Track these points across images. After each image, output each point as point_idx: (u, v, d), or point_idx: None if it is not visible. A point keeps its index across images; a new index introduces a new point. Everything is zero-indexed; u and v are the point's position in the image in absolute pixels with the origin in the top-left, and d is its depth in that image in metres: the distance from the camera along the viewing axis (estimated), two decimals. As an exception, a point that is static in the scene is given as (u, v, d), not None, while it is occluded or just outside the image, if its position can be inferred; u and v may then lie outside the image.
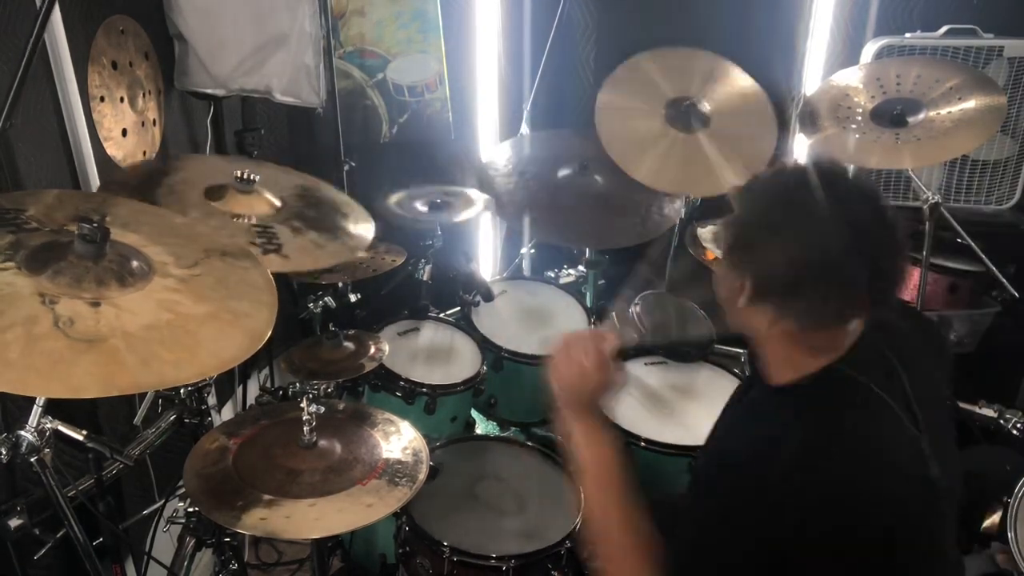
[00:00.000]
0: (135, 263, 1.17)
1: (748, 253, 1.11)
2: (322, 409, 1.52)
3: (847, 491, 0.99)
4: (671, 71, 2.43)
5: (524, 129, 2.83)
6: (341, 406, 1.67)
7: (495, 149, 2.70)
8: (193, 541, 1.64)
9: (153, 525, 1.83)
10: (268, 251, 1.52)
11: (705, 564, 1.05)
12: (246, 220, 1.63)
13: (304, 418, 1.47)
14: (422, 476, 1.45)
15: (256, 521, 1.31)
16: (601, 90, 2.39)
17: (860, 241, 1.02)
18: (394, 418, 1.63)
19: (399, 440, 1.56)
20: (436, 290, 2.31)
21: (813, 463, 1.01)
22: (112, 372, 1.00)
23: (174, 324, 1.11)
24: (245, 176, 1.66)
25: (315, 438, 1.49)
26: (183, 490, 1.56)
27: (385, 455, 1.50)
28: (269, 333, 1.19)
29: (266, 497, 1.36)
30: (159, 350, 1.06)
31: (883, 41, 2.47)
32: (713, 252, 2.31)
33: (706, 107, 2.37)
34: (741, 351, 2.33)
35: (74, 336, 1.00)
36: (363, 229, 1.80)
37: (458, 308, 2.38)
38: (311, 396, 1.50)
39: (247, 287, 1.26)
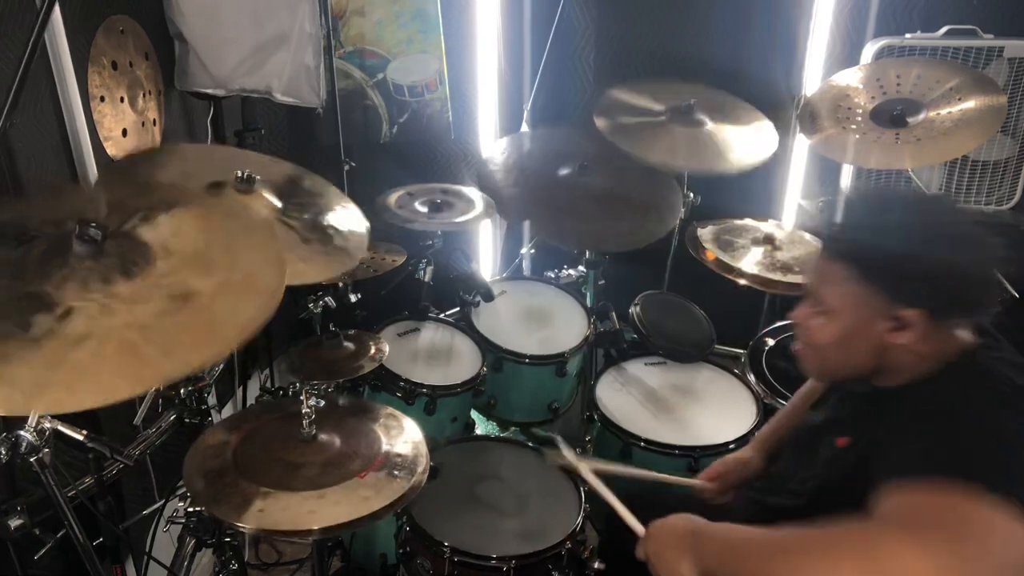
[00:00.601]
0: (134, 252, 1.16)
1: (891, 266, 1.15)
2: (322, 402, 1.52)
3: None
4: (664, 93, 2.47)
5: (524, 129, 2.83)
6: (341, 400, 1.67)
7: (495, 144, 2.71)
8: (193, 541, 1.64)
9: (153, 525, 1.83)
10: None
11: None
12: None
13: (304, 411, 1.48)
14: (421, 470, 1.45)
15: (254, 514, 1.31)
16: (596, 112, 2.41)
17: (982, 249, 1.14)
18: (397, 413, 1.63)
19: (399, 433, 1.56)
20: (436, 290, 2.31)
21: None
22: (137, 368, 0.99)
23: (187, 304, 1.10)
24: (245, 176, 1.66)
25: (315, 431, 1.49)
26: (183, 490, 1.56)
27: (384, 448, 1.50)
28: (283, 285, 1.19)
29: (264, 490, 1.36)
30: (178, 335, 1.05)
31: (883, 41, 2.47)
32: (713, 252, 2.31)
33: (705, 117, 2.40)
34: (741, 351, 2.33)
35: (93, 341, 1.00)
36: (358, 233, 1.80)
37: (458, 308, 2.38)
38: (312, 391, 1.50)
39: (249, 243, 1.25)
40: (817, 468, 1.31)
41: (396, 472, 1.44)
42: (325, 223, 1.75)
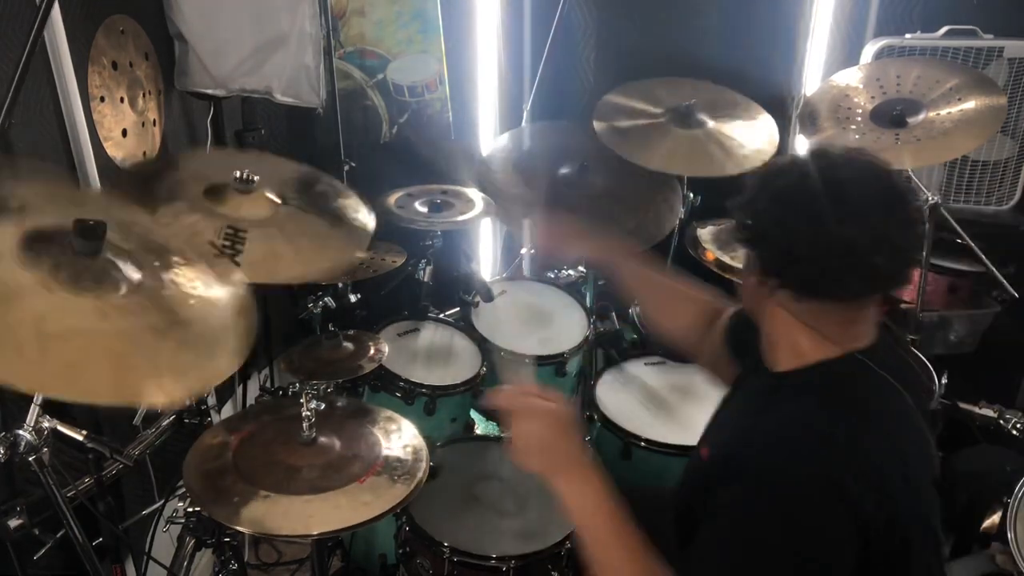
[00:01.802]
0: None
1: (763, 230, 1.10)
2: (323, 405, 1.52)
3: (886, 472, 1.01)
4: (666, 90, 2.47)
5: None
6: (341, 402, 1.67)
7: (495, 140, 2.71)
8: (193, 541, 1.64)
9: (153, 525, 1.82)
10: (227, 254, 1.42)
11: None
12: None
13: (304, 414, 1.47)
14: (420, 475, 1.45)
15: (252, 517, 1.31)
16: (595, 114, 2.41)
17: (877, 225, 1.02)
18: (395, 416, 1.63)
19: (399, 437, 1.56)
20: (436, 290, 2.31)
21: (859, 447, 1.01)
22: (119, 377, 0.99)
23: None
24: (245, 176, 1.66)
25: (315, 434, 1.49)
26: (183, 490, 1.56)
27: (384, 453, 1.50)
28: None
29: (263, 493, 1.36)
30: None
31: (883, 41, 2.47)
32: (713, 252, 2.31)
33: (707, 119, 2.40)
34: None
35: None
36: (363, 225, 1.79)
37: (458, 308, 2.38)
38: (311, 393, 1.50)
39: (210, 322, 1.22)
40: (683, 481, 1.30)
41: (396, 477, 1.44)
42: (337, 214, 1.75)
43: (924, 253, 2.17)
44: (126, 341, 1.05)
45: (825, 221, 1.01)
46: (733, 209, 1.14)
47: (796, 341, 1.12)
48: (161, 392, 1.06)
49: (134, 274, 1.12)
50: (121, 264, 1.13)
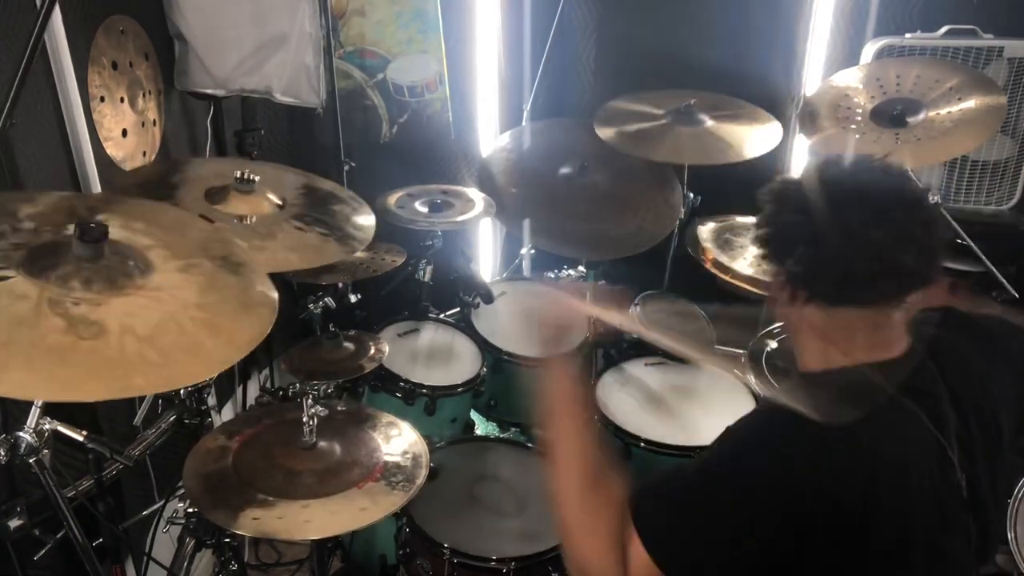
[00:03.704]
0: (131, 262, 1.16)
1: (789, 243, 1.10)
2: (325, 411, 1.51)
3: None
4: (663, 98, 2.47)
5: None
6: (342, 407, 1.67)
7: (496, 139, 2.71)
8: (193, 541, 1.64)
9: (153, 525, 1.82)
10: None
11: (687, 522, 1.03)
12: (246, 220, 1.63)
13: (305, 419, 1.47)
14: (419, 481, 1.45)
15: (250, 521, 1.31)
16: (596, 120, 2.42)
17: (902, 225, 1.02)
18: (396, 420, 1.63)
19: (400, 443, 1.56)
20: (436, 291, 2.31)
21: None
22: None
23: (182, 319, 1.09)
24: (245, 176, 1.66)
25: (315, 439, 1.49)
26: (183, 490, 1.56)
27: (384, 459, 1.50)
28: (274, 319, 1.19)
29: (261, 497, 1.36)
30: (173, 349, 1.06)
31: (883, 41, 2.47)
32: (712, 252, 2.31)
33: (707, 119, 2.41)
34: (741, 351, 2.33)
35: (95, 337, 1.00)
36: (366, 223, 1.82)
37: (458, 309, 2.38)
38: (313, 397, 1.50)
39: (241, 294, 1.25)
40: None
41: (394, 483, 1.44)
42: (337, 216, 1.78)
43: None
44: (202, 311, 1.09)
45: (850, 226, 1.02)
46: (755, 228, 1.15)
47: (824, 354, 1.12)
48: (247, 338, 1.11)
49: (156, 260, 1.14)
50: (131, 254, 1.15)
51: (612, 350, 2.30)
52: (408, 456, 1.52)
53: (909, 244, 1.02)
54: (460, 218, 2.22)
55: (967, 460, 1.08)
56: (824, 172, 1.08)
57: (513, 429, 2.30)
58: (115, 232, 1.18)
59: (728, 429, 1.09)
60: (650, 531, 1.02)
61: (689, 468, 1.08)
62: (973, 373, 1.16)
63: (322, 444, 1.50)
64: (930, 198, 1.08)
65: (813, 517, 0.98)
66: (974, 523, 1.09)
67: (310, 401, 1.49)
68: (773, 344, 2.22)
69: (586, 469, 1.14)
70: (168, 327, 1.06)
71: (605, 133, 2.39)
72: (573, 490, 1.13)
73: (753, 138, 2.36)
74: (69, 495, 1.32)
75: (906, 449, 1.05)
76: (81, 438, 1.32)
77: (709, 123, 2.40)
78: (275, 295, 1.23)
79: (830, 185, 1.06)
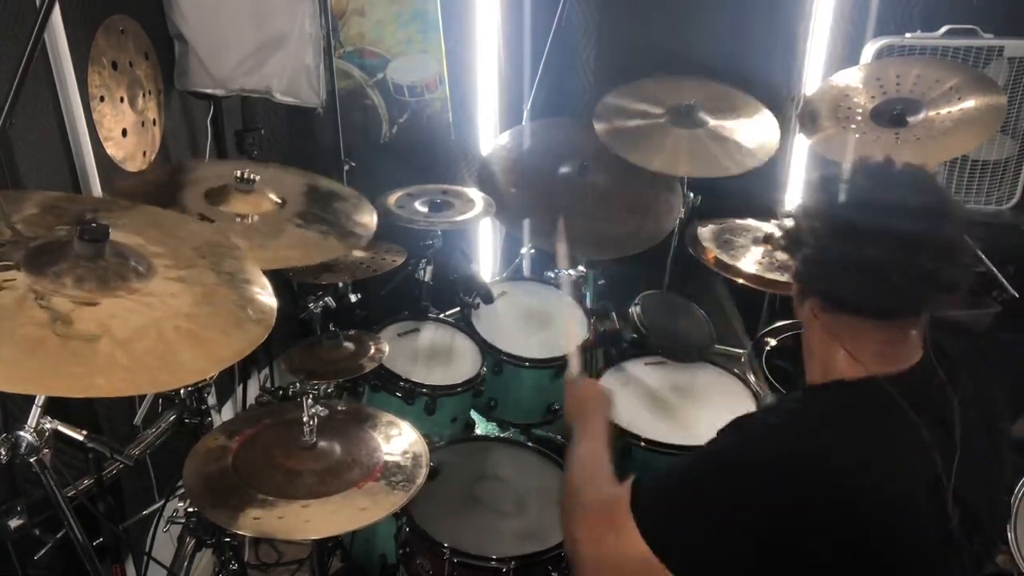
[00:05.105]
0: (133, 264, 1.16)
1: (798, 243, 1.12)
2: (325, 411, 1.51)
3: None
4: (665, 91, 2.47)
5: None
6: (342, 407, 1.67)
7: (496, 139, 2.72)
8: (193, 541, 1.64)
9: (153, 525, 1.82)
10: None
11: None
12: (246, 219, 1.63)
13: (305, 419, 1.47)
14: (419, 481, 1.45)
15: (250, 521, 1.31)
16: (595, 116, 2.42)
17: (909, 238, 1.01)
18: (397, 420, 1.63)
19: (400, 442, 1.56)
20: (436, 290, 2.31)
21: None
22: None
23: (165, 327, 1.09)
24: (245, 176, 1.66)
25: (315, 439, 1.49)
26: (183, 490, 1.56)
27: (384, 458, 1.50)
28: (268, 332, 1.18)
29: (261, 497, 1.36)
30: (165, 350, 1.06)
31: (883, 41, 2.47)
32: (713, 252, 2.31)
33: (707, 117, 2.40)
34: (741, 351, 2.33)
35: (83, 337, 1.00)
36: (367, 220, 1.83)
37: (458, 309, 2.38)
38: (313, 396, 1.50)
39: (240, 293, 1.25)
40: None
41: (394, 483, 1.44)
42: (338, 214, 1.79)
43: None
44: (190, 321, 1.09)
45: (862, 236, 1.02)
46: (783, 216, 1.17)
47: (827, 357, 1.12)
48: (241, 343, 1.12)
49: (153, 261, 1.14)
50: (130, 255, 1.14)
51: (612, 350, 2.30)
52: (408, 456, 1.52)
53: (938, 257, 1.01)
54: (460, 218, 2.22)
55: (961, 474, 1.06)
56: (860, 175, 1.10)
57: (513, 429, 2.31)
58: (125, 237, 1.18)
59: (733, 423, 1.11)
60: (649, 522, 1.03)
61: (689, 460, 1.10)
62: (980, 383, 1.17)
63: (322, 444, 1.49)
64: (959, 210, 1.09)
65: (813, 516, 0.98)
66: (962, 525, 1.07)
67: (310, 401, 1.48)
68: (773, 344, 2.23)
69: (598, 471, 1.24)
70: (148, 333, 1.05)
71: (602, 128, 2.38)
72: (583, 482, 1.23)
73: (752, 142, 2.36)
74: (69, 494, 1.32)
75: (908, 466, 1.04)
76: (81, 438, 1.32)
77: (710, 123, 2.39)
78: (272, 314, 1.22)
79: (860, 189, 1.08)
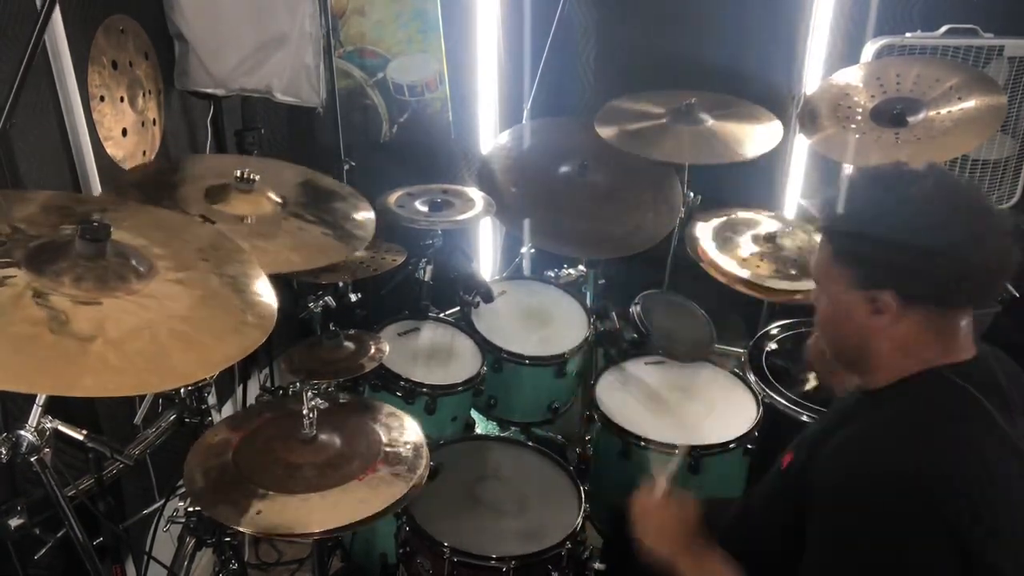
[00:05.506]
0: (134, 265, 1.16)
1: (863, 245, 1.13)
2: (324, 404, 1.51)
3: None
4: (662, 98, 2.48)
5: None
6: (343, 398, 1.67)
7: (495, 140, 2.72)
8: (193, 541, 1.64)
9: (153, 525, 1.83)
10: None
11: None
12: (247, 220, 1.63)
13: (305, 411, 1.47)
14: (420, 472, 1.45)
15: (251, 516, 1.31)
16: (597, 120, 2.42)
17: (967, 232, 1.06)
18: (398, 412, 1.62)
19: (400, 433, 1.56)
20: (436, 290, 2.31)
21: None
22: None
23: (160, 329, 1.09)
24: (245, 176, 1.66)
25: (315, 432, 1.49)
26: (183, 490, 1.56)
27: (385, 450, 1.50)
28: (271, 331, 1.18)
29: (262, 491, 1.36)
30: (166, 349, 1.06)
31: (883, 40, 2.47)
32: (711, 252, 2.31)
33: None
34: (741, 351, 2.33)
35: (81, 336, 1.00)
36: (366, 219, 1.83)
37: (458, 308, 2.38)
38: (313, 392, 1.50)
39: (244, 289, 1.25)
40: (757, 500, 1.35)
41: (395, 475, 1.44)
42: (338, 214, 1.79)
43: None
44: (186, 324, 1.09)
45: (935, 230, 1.06)
46: (829, 230, 1.18)
47: (892, 358, 1.14)
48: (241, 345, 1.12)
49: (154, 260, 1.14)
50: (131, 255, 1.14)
51: (612, 350, 2.30)
52: (409, 446, 1.52)
53: (985, 247, 1.06)
54: (460, 217, 2.22)
55: None
56: (907, 177, 1.12)
57: (513, 428, 2.31)
58: (129, 238, 1.18)
59: (821, 484, 1.09)
60: None
61: (827, 552, 1.07)
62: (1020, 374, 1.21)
63: (322, 437, 1.49)
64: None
65: (955, 512, 1.00)
66: None
67: (310, 393, 1.49)
68: (773, 344, 2.23)
69: None
70: (141, 334, 1.05)
71: (606, 132, 2.39)
72: None
73: (753, 137, 2.36)
74: (69, 494, 1.32)
75: (998, 450, 1.07)
76: (81, 437, 1.32)
77: (709, 122, 2.40)
78: (271, 319, 1.22)
79: (917, 188, 1.10)
